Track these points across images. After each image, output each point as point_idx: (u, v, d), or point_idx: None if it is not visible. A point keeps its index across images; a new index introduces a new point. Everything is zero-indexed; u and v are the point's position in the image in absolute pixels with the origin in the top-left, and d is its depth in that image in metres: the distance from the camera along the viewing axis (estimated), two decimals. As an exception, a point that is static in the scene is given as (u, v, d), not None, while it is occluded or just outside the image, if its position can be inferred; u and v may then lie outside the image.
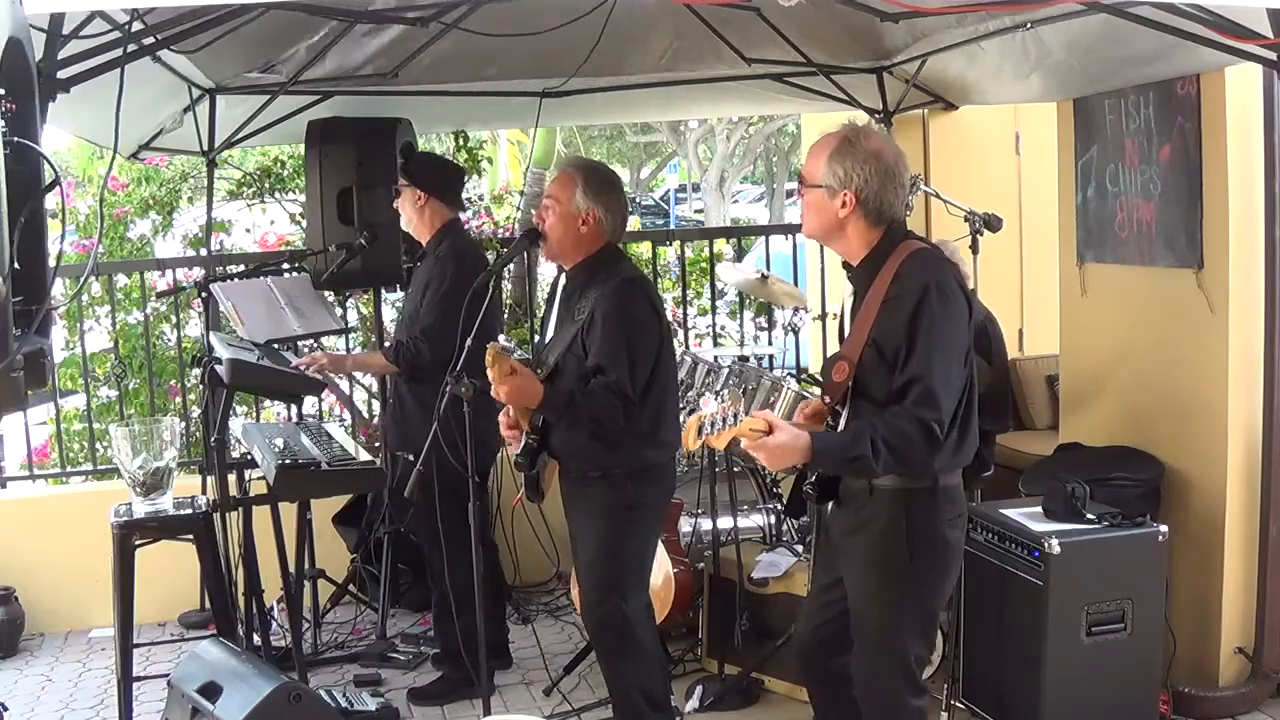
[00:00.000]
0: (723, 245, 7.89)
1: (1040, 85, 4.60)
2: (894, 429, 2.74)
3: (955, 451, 2.89)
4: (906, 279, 2.85)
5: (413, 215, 4.48)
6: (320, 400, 6.31)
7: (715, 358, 4.83)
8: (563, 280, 3.79)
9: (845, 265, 3.08)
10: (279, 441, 4.25)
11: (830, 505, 3.06)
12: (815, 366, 6.60)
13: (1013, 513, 3.93)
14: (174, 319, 6.52)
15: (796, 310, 6.28)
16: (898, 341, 2.81)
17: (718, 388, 4.45)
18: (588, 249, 3.64)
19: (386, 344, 4.93)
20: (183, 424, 5.80)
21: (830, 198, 2.93)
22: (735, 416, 2.60)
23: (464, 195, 7.55)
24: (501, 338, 6.52)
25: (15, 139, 1.98)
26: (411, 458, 4.16)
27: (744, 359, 4.89)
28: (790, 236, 6.82)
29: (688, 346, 6.37)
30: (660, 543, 4.15)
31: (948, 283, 2.87)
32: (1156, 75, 4.10)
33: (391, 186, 4.58)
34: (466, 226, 6.68)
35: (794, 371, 6.47)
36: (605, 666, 3.78)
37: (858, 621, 3.04)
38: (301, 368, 4.38)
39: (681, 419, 4.45)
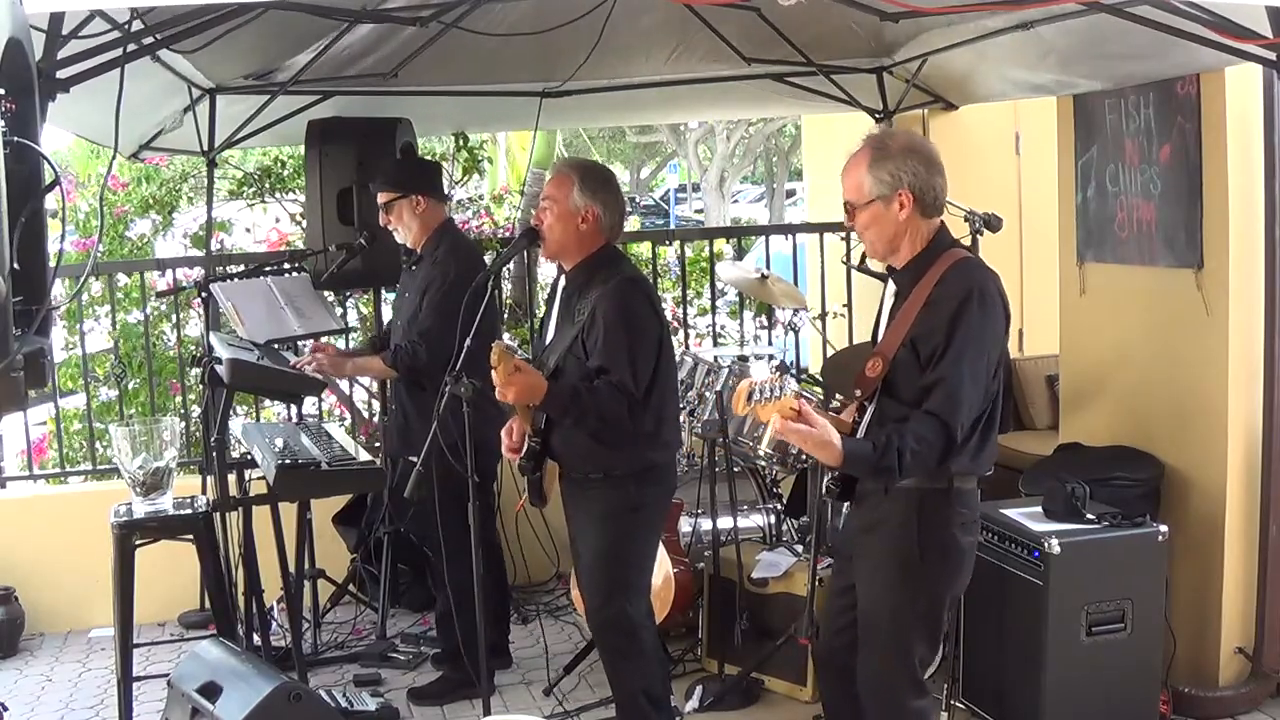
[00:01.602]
0: (723, 245, 7.89)
1: (1044, 81, 4.58)
2: (918, 436, 2.79)
3: (974, 456, 2.93)
4: (951, 283, 2.89)
5: (412, 222, 4.44)
6: (320, 400, 6.31)
7: (715, 358, 4.83)
8: (562, 282, 3.78)
9: (889, 268, 3.10)
10: (279, 441, 4.24)
11: (847, 505, 3.10)
12: (815, 366, 6.60)
13: (1013, 513, 3.93)
14: (174, 318, 6.52)
15: (796, 310, 6.28)
16: (936, 342, 2.85)
17: (718, 384, 4.45)
18: (587, 248, 3.65)
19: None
20: (183, 424, 5.80)
21: (887, 206, 2.94)
22: (780, 389, 2.66)
23: (466, 195, 7.62)
24: (506, 336, 6.53)
25: (15, 139, 1.98)
26: (414, 459, 4.16)
27: (744, 359, 4.89)
28: (790, 236, 6.81)
29: (688, 346, 6.37)
30: (660, 543, 4.15)
31: (991, 290, 2.91)
32: (1158, 74, 4.09)
33: (379, 206, 4.49)
34: (465, 227, 6.70)
35: (794, 371, 6.47)
36: (609, 667, 3.78)
37: (867, 619, 3.07)
38: (302, 366, 4.37)
39: (682, 419, 4.47)
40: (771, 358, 4.84)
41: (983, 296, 2.87)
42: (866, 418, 2.97)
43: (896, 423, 2.86)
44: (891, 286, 3.09)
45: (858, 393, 2.98)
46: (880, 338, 3.06)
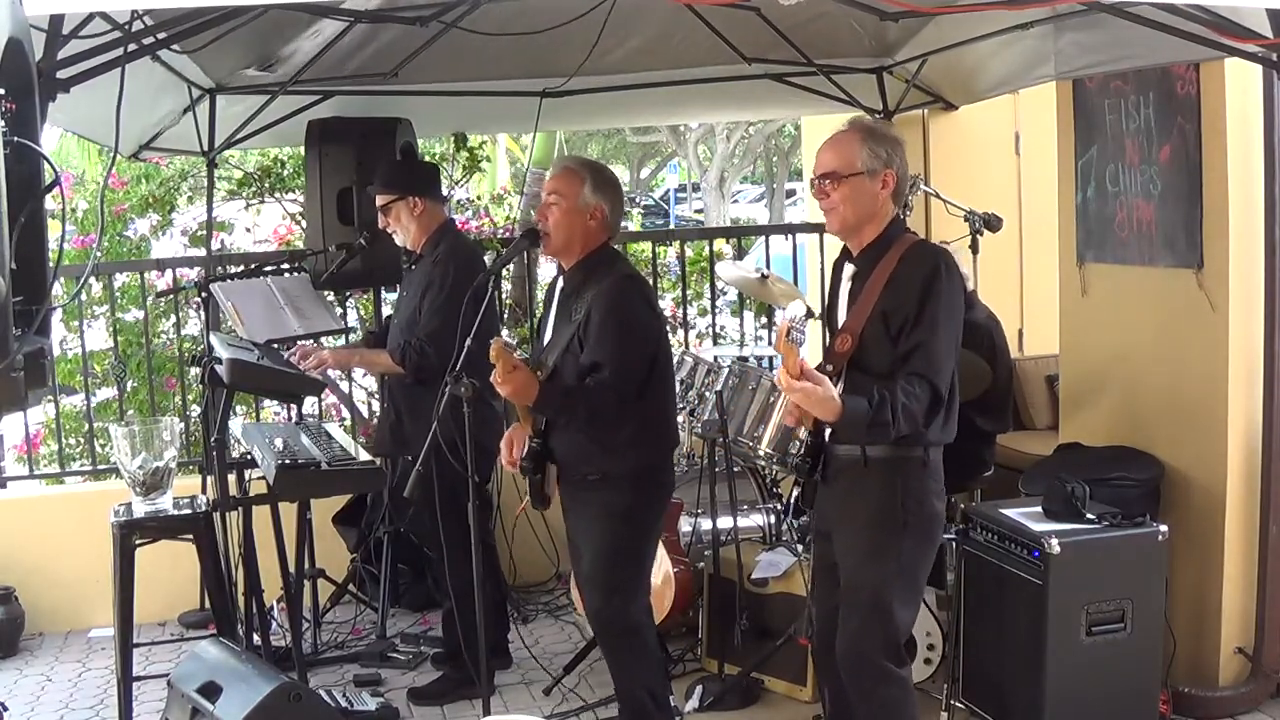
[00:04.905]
0: (723, 245, 7.89)
1: (1046, 71, 4.53)
2: (906, 391, 2.94)
3: (943, 426, 3.06)
4: (915, 259, 3.07)
5: (410, 224, 4.43)
6: (320, 400, 6.31)
7: (715, 358, 4.82)
8: (560, 282, 3.79)
9: (844, 253, 3.24)
10: (279, 441, 4.24)
11: (819, 479, 3.20)
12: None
13: (1013, 513, 3.93)
14: (174, 317, 6.52)
15: (796, 311, 6.27)
16: (907, 311, 3.00)
17: (718, 384, 4.45)
18: (591, 244, 3.66)
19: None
20: (182, 424, 5.80)
21: (872, 180, 3.09)
22: (803, 334, 2.86)
23: (467, 195, 7.60)
24: (505, 332, 6.52)
25: (15, 139, 1.98)
26: (411, 458, 4.17)
27: (744, 359, 4.89)
28: (790, 236, 6.81)
29: (688, 346, 6.37)
30: (660, 543, 4.15)
31: (952, 265, 3.10)
32: (1161, 60, 4.03)
33: (377, 209, 4.48)
34: (465, 228, 6.70)
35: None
36: (613, 667, 3.78)
37: (849, 589, 3.15)
38: (304, 366, 4.37)
39: (681, 419, 4.47)
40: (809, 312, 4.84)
41: (948, 270, 3.06)
42: (836, 394, 3.03)
43: (880, 381, 2.98)
44: (848, 270, 3.22)
45: (828, 368, 3.08)
46: (842, 317, 3.18)
